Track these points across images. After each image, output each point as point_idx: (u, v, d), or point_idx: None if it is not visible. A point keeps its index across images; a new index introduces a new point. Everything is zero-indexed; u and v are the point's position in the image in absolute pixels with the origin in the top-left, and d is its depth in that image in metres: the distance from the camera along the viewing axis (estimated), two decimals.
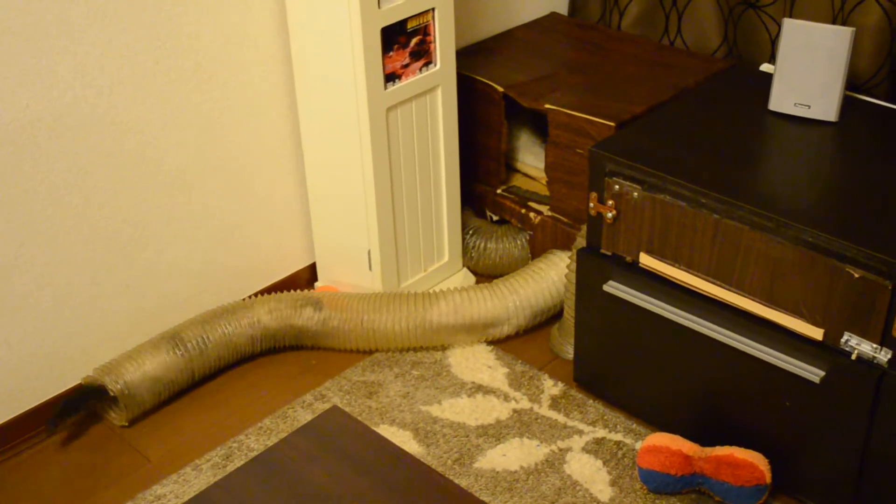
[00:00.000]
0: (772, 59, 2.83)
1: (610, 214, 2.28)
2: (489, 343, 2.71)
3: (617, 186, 2.25)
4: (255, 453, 2.39)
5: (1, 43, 2.14)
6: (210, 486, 1.59)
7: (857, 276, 1.93)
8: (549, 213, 2.85)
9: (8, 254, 2.31)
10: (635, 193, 2.22)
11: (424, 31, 2.55)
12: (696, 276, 2.19)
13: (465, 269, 2.96)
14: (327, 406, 2.52)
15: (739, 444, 2.22)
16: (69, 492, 2.35)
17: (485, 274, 2.97)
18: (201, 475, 2.35)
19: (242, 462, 2.35)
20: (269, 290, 2.87)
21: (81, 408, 2.47)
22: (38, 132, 2.26)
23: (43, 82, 2.24)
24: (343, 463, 1.62)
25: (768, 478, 2.15)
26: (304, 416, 2.50)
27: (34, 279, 2.38)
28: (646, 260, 2.27)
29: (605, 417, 2.47)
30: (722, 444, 2.25)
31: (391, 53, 2.49)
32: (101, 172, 2.41)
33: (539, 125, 3.04)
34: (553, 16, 3.30)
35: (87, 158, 2.37)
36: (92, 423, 2.53)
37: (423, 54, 2.57)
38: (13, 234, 2.31)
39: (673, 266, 2.22)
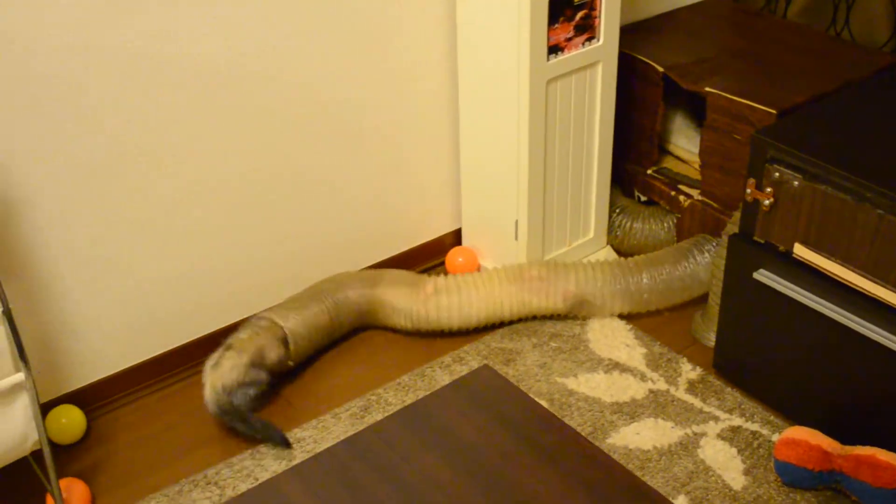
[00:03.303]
0: None
1: (767, 202, 2.25)
2: (629, 322, 2.71)
3: (777, 174, 2.22)
4: (392, 407, 2.45)
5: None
6: (364, 429, 1.64)
7: None
8: (699, 198, 2.82)
9: (188, 196, 2.42)
10: (796, 182, 2.19)
11: (591, 5, 2.54)
12: (852, 271, 2.15)
13: (608, 247, 2.95)
14: (465, 369, 2.56)
15: (882, 446, 2.17)
16: (213, 423, 2.45)
17: (628, 253, 2.96)
18: (339, 423, 2.42)
19: (380, 415, 2.42)
20: (413, 252, 2.93)
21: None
22: (208, 81, 2.35)
23: (221, 34, 2.32)
24: (492, 420, 1.65)
25: None
26: (442, 377, 2.55)
27: (199, 218, 2.48)
28: (800, 251, 2.24)
29: (743, 406, 2.45)
30: (863, 443, 2.21)
31: (556, 26, 2.50)
32: (264, 126, 2.49)
33: (694, 108, 3.01)
34: (718, 0, 3.26)
35: (252, 110, 2.45)
36: None
37: (587, 29, 2.57)
38: (189, 177, 2.41)
39: (828, 259, 2.19)
